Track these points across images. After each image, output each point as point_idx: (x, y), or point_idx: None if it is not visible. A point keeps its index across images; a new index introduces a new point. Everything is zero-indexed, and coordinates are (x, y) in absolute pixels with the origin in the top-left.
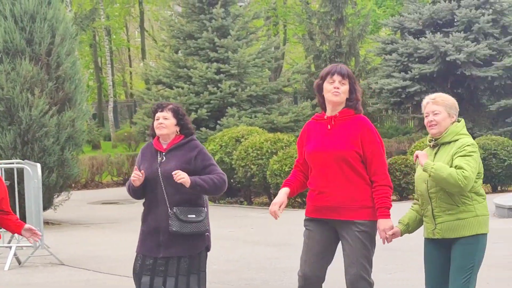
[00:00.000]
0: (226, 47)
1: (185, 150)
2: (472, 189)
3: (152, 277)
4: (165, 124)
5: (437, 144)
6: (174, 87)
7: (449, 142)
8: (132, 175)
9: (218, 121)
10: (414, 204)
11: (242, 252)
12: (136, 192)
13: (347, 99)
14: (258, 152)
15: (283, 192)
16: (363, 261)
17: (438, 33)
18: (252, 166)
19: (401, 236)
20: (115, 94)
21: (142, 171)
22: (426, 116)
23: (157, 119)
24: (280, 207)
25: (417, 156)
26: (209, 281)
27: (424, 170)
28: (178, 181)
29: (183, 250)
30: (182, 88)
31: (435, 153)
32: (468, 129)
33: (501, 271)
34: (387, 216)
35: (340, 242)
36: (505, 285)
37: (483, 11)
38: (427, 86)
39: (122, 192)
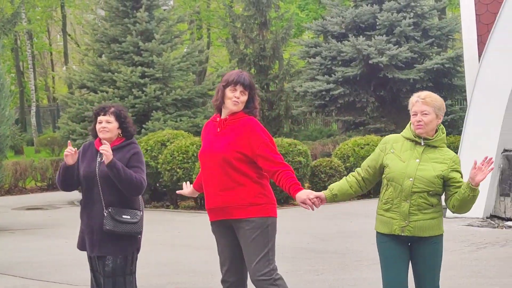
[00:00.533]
0: (151, 51)
1: (123, 152)
2: (441, 190)
3: (93, 273)
4: (108, 128)
5: (421, 143)
6: (98, 91)
7: (436, 147)
8: (66, 150)
9: (143, 125)
10: (352, 175)
11: (170, 255)
12: (65, 178)
13: (244, 107)
14: (184, 155)
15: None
16: (257, 260)
17: (361, 36)
18: (178, 170)
19: (327, 202)
20: (37, 99)
21: (75, 149)
22: (413, 115)
23: (99, 123)
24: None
25: (479, 170)
26: (140, 286)
27: (475, 186)
28: (101, 150)
29: (116, 250)
30: (107, 92)
31: (422, 152)
32: (391, 131)
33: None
34: (301, 188)
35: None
36: None
37: (405, 14)
38: (350, 89)
39: (46, 197)
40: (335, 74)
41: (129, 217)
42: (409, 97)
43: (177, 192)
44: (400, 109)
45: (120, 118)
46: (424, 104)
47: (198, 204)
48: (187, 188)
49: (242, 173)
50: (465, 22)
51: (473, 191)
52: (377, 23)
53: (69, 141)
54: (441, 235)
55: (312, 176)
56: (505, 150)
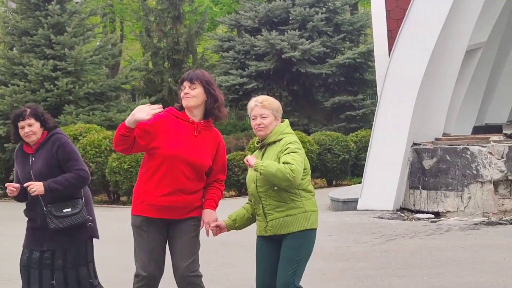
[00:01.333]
0: (63, 44)
1: (48, 146)
2: (299, 186)
3: (40, 270)
4: (33, 131)
5: (264, 145)
6: (9, 85)
7: (275, 142)
8: (7, 190)
9: (56, 119)
10: (247, 203)
11: None
12: (18, 199)
13: (206, 102)
14: (97, 149)
15: None
16: (196, 257)
17: (274, 31)
18: (90, 164)
19: (227, 231)
20: None
21: (18, 185)
22: (253, 119)
23: (21, 128)
24: None
25: (247, 161)
26: None
27: (255, 170)
28: (32, 194)
29: (67, 242)
30: (18, 85)
31: (263, 154)
32: (304, 125)
33: (335, 262)
34: (213, 207)
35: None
36: (339, 275)
37: (317, 9)
38: (264, 83)
39: None
40: (248, 68)
41: (70, 209)
42: (322, 91)
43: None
44: (313, 104)
45: (38, 117)
46: (263, 108)
47: (111, 198)
48: None
49: (203, 181)
50: (376, 17)
51: (257, 170)
52: (290, 18)
53: (6, 184)
54: (305, 231)
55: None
56: (414, 144)
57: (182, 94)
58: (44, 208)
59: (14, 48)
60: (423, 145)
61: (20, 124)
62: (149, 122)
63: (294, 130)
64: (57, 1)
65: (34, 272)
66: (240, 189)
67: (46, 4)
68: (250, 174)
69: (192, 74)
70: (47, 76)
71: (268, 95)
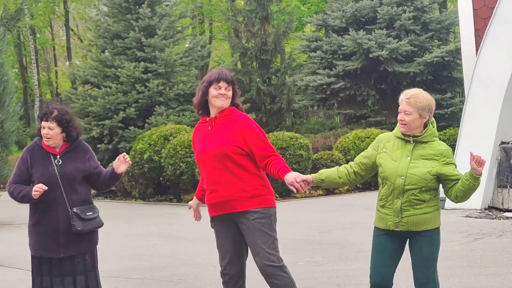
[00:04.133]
0: (153, 47)
1: (78, 152)
2: (435, 185)
3: (51, 278)
4: (50, 135)
5: (414, 141)
6: (102, 87)
7: (426, 142)
8: (35, 189)
9: (147, 120)
10: (345, 166)
11: (173, 248)
12: (28, 201)
13: (231, 104)
14: (187, 150)
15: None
16: (266, 248)
17: (361, 30)
18: (181, 164)
19: (313, 185)
20: (40, 93)
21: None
22: (399, 113)
23: (43, 128)
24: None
25: (478, 162)
26: (142, 277)
27: (478, 175)
28: (119, 171)
29: (82, 248)
30: (110, 87)
31: (412, 149)
32: (391, 124)
33: None
34: (289, 170)
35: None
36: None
37: (405, 8)
38: (351, 82)
39: None
40: (336, 68)
41: (91, 213)
42: None
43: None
44: None
45: (62, 123)
46: (408, 105)
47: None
48: (193, 203)
49: (241, 167)
50: (463, 16)
51: (476, 179)
52: (377, 17)
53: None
54: (437, 229)
55: (313, 169)
56: (502, 142)
57: (216, 93)
58: (70, 210)
59: (106, 51)
60: (511, 143)
61: (43, 123)
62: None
63: (382, 129)
64: (147, 4)
65: (46, 280)
66: (328, 189)
67: (137, 7)
68: (396, 166)
69: (228, 75)
70: (138, 78)
71: (355, 94)
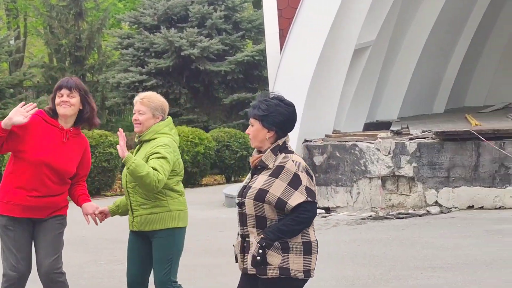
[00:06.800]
0: None
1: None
2: (166, 185)
3: None
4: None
5: (140, 141)
6: None
7: (149, 140)
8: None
9: None
10: None
11: None
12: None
13: (81, 111)
14: None
15: None
16: (59, 255)
17: (173, 28)
18: None
19: (111, 216)
20: None
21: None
22: (134, 113)
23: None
24: None
25: (122, 151)
26: None
27: (125, 162)
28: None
29: None
30: None
31: (137, 150)
32: (203, 122)
33: (223, 257)
34: (89, 200)
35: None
36: (227, 270)
37: (216, 7)
38: (163, 80)
39: None
40: (147, 66)
41: None
42: (222, 88)
43: None
44: (212, 101)
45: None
46: (141, 105)
47: None
48: None
49: (68, 184)
50: (267, 16)
51: (127, 167)
52: (189, 15)
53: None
54: (172, 229)
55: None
56: (305, 141)
57: (58, 101)
58: None
59: None
60: (314, 142)
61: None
62: (19, 125)
63: (193, 127)
64: None
65: None
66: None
67: None
68: (125, 169)
69: (71, 82)
70: None
71: (167, 92)
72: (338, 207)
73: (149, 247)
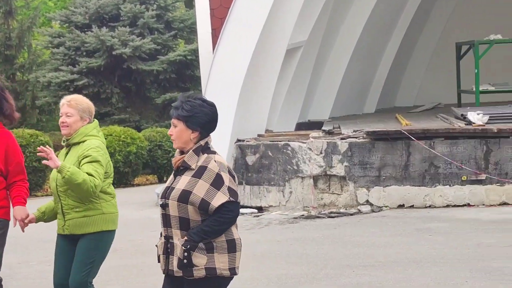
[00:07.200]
0: None
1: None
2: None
3: None
4: None
5: (69, 145)
6: None
7: (79, 143)
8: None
9: None
10: None
11: None
12: None
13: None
14: None
15: None
16: None
17: (105, 27)
18: None
19: (36, 222)
20: None
21: None
22: (60, 116)
23: None
24: None
25: (54, 161)
26: None
27: (59, 172)
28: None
29: None
30: None
31: (66, 153)
32: (135, 122)
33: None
34: (23, 204)
35: None
36: (156, 270)
37: (148, 6)
38: (95, 79)
39: None
40: (79, 65)
41: None
42: (154, 88)
43: None
44: (145, 100)
45: None
46: (69, 107)
47: None
48: None
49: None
50: (200, 16)
51: (62, 174)
52: (121, 14)
53: None
54: (102, 232)
55: None
56: (238, 140)
57: None
58: None
59: None
60: (247, 141)
61: None
62: None
63: (125, 126)
64: None
65: None
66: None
67: None
68: (53, 172)
69: None
70: None
71: (99, 91)
72: (270, 206)
73: (73, 249)
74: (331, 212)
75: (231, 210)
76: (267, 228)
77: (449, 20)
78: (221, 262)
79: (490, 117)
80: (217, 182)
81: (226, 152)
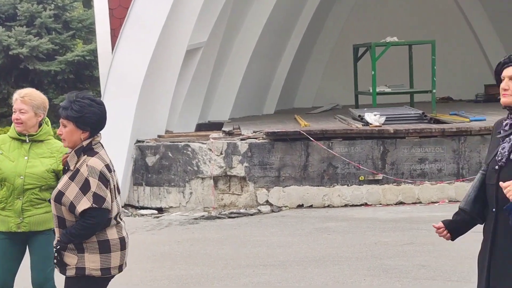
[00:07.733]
0: None
1: None
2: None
3: None
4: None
5: (30, 140)
6: None
7: (43, 141)
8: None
9: None
10: None
11: None
12: None
13: None
14: None
15: None
16: None
17: (1, 27)
18: None
19: None
20: None
21: None
22: (14, 112)
23: None
24: None
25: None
26: None
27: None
28: None
29: None
30: None
31: (29, 148)
32: None
33: None
34: None
35: None
36: None
37: (46, 6)
38: None
39: None
40: None
41: None
42: (52, 88)
43: None
44: None
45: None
46: (23, 103)
47: None
48: None
49: None
50: (99, 16)
51: None
52: (18, 14)
53: None
54: None
55: None
56: (137, 141)
57: None
58: None
59: None
60: (146, 142)
61: None
62: None
63: None
64: None
65: None
66: None
67: None
68: (14, 167)
69: None
70: None
71: None
72: (171, 207)
73: (23, 250)
74: (232, 213)
75: (93, 216)
76: (168, 229)
77: (346, 23)
78: (92, 262)
79: (386, 118)
80: (85, 187)
81: (125, 153)
